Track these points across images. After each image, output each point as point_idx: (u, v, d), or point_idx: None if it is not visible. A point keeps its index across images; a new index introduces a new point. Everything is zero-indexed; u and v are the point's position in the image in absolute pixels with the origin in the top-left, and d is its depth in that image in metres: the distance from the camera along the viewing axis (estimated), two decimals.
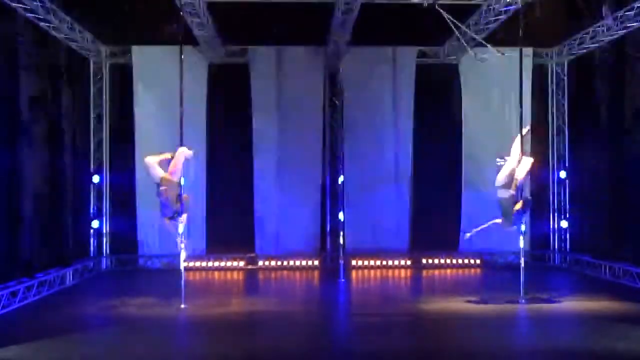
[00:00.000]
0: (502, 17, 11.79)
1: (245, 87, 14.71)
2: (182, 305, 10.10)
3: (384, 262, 14.96)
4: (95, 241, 14.71)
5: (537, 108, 14.93)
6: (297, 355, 7.73)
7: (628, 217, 12.62)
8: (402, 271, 14.79)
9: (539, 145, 14.44)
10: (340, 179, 14.67)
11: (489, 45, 12.20)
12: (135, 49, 14.46)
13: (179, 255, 10.51)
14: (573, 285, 12.94)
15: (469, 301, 10.63)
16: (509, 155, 10.48)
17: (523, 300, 10.26)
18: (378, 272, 14.70)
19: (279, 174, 14.75)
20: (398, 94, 14.86)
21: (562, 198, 15.28)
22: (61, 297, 11.38)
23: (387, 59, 14.82)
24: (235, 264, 14.91)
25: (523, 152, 10.47)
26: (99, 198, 14.76)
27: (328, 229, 14.91)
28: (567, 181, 15.21)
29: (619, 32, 12.21)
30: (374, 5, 12.10)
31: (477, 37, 12.28)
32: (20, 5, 10.61)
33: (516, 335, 9.02)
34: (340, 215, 14.36)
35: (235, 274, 14.61)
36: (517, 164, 10.29)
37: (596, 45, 13.29)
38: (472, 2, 12.03)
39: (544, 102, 15.28)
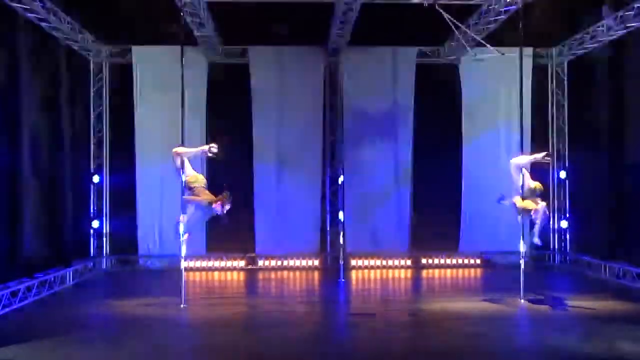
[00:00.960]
0: (502, 17, 11.79)
1: (245, 87, 14.71)
2: (182, 305, 10.10)
3: (384, 262, 14.96)
4: (95, 241, 14.71)
5: (537, 108, 14.92)
6: (297, 355, 7.72)
7: (628, 217, 12.61)
8: (402, 271, 14.79)
9: (539, 145, 14.43)
10: (340, 179, 14.67)
11: (489, 45, 12.20)
12: (135, 49, 14.46)
13: (179, 255, 10.52)
14: (573, 285, 12.94)
15: (469, 301, 10.63)
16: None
17: (523, 300, 10.25)
18: (378, 272, 14.71)
19: (279, 174, 14.75)
20: (398, 94, 14.85)
21: (562, 198, 15.28)
22: (61, 297, 11.39)
23: (387, 59, 14.81)
24: (235, 264, 14.92)
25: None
26: (99, 198, 14.76)
27: (328, 229, 14.91)
28: (567, 181, 15.22)
29: (619, 32, 12.22)
30: (374, 5, 12.10)
31: (477, 37, 12.28)
32: (20, 5, 10.61)
33: (516, 335, 9.01)
34: (340, 215, 14.36)
35: (235, 274, 14.62)
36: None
37: (596, 45, 13.29)
38: (472, 2, 12.02)
39: (544, 102, 15.28)
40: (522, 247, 10.87)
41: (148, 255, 14.77)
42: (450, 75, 15.01)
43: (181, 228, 10.23)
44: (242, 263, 14.92)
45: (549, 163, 10.54)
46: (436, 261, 15.15)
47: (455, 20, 11.39)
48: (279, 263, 14.91)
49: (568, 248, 15.18)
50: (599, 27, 12.65)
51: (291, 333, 8.71)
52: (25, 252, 11.20)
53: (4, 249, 10.44)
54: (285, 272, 14.65)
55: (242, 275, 14.48)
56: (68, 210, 13.17)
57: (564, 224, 15.19)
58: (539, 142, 14.38)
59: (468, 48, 12.81)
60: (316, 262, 14.90)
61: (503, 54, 12.55)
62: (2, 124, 10.42)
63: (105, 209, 14.81)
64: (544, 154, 10.59)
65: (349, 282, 13.33)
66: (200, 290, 12.54)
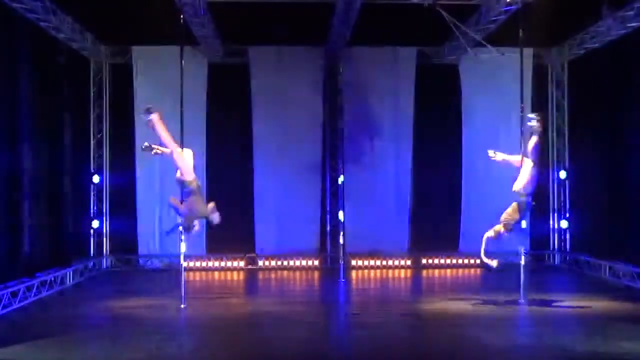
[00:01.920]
0: (502, 17, 11.79)
1: (245, 87, 14.72)
2: (182, 305, 10.10)
3: (384, 262, 14.97)
4: (95, 241, 14.73)
5: (537, 108, 14.89)
6: (297, 355, 7.72)
7: (628, 217, 12.61)
8: (402, 271, 14.79)
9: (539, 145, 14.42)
10: (340, 179, 14.67)
11: (489, 45, 12.20)
12: (135, 49, 14.48)
13: (179, 255, 10.52)
14: (573, 285, 12.94)
15: (469, 301, 10.63)
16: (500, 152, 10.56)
17: (523, 300, 10.25)
18: (378, 272, 14.71)
19: (279, 174, 14.75)
20: (398, 94, 14.85)
21: (562, 198, 15.28)
22: (61, 297, 11.39)
23: (387, 59, 14.82)
24: (235, 264, 14.92)
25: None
26: (99, 198, 14.78)
27: (328, 229, 14.92)
28: (567, 181, 15.22)
29: (619, 32, 12.21)
30: (374, 5, 12.09)
31: (477, 37, 12.28)
32: (21, 5, 10.61)
33: (516, 335, 9.01)
34: (340, 215, 14.36)
35: (235, 274, 14.62)
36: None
37: (596, 45, 13.29)
38: (472, 2, 12.02)
39: (544, 102, 15.27)
40: (522, 250, 10.86)
41: (148, 255, 14.78)
42: (450, 75, 15.02)
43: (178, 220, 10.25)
44: (242, 263, 14.92)
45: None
46: (436, 261, 15.15)
47: (455, 20, 11.39)
48: (279, 263, 14.91)
49: (568, 248, 15.18)
50: (599, 27, 12.65)
51: (291, 333, 8.70)
52: (25, 252, 11.20)
53: (4, 249, 10.44)
54: (285, 272, 14.65)
55: (242, 275, 14.48)
56: (68, 210, 13.18)
57: (564, 224, 15.19)
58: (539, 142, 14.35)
59: (468, 48, 12.80)
60: (316, 262, 14.91)
61: (503, 54, 12.56)
62: (1, 124, 10.41)
63: (105, 209, 14.82)
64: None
65: (349, 282, 13.34)
66: (200, 290, 12.53)
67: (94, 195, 14.70)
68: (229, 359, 7.70)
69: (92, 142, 14.69)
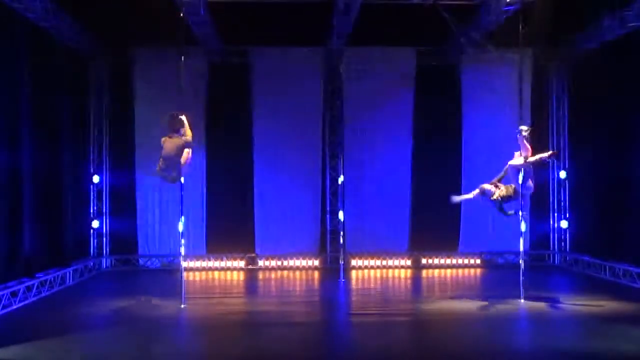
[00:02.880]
0: (502, 17, 11.79)
1: (245, 87, 14.72)
2: (182, 305, 10.10)
3: (384, 262, 14.98)
4: (95, 241, 14.73)
5: (537, 108, 14.92)
6: (296, 356, 7.73)
7: (628, 217, 12.61)
8: (402, 271, 14.80)
9: (539, 145, 14.43)
10: (340, 179, 14.68)
11: (489, 45, 12.19)
12: (136, 50, 14.46)
13: (179, 255, 10.52)
14: (573, 285, 12.94)
15: (469, 301, 10.63)
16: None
17: (523, 300, 10.25)
18: (378, 272, 14.71)
19: (279, 174, 14.75)
20: (398, 94, 14.85)
21: (562, 198, 15.28)
22: (61, 297, 11.39)
23: (387, 59, 14.81)
24: (235, 264, 14.92)
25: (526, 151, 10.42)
26: (99, 198, 14.78)
27: (328, 229, 14.92)
28: (567, 181, 15.22)
29: (619, 32, 12.21)
30: (374, 5, 12.10)
31: (477, 37, 12.27)
32: (21, 6, 10.60)
33: (516, 335, 9.02)
34: (340, 215, 14.37)
35: (235, 274, 14.62)
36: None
37: (596, 45, 13.29)
38: (472, 2, 12.02)
39: (544, 102, 15.27)
40: (522, 247, 10.87)
41: (148, 255, 14.78)
42: (450, 75, 15.01)
43: (180, 227, 10.25)
44: (242, 263, 14.93)
45: (549, 160, 10.41)
46: (436, 261, 15.16)
47: (455, 20, 11.39)
48: (279, 263, 14.92)
49: (568, 248, 15.19)
50: (599, 27, 12.65)
51: (291, 333, 8.71)
52: (25, 252, 11.20)
53: (4, 249, 10.44)
54: (285, 272, 14.65)
55: (242, 275, 14.48)
56: (68, 210, 13.18)
57: (564, 224, 15.19)
58: (539, 142, 14.37)
59: (468, 48, 12.80)
60: (316, 262, 14.91)
61: (503, 54, 12.56)
62: (1, 124, 10.41)
63: (105, 209, 14.82)
64: (549, 153, 10.58)
65: (349, 282, 13.34)
66: (200, 290, 12.53)
67: (94, 195, 14.70)
68: (229, 359, 7.70)
69: (92, 142, 14.68)
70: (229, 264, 14.91)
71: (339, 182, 14.70)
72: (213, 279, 14.12)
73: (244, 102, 14.74)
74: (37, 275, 11.23)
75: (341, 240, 14.04)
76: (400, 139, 14.93)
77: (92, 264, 14.14)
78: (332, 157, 15.01)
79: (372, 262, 14.98)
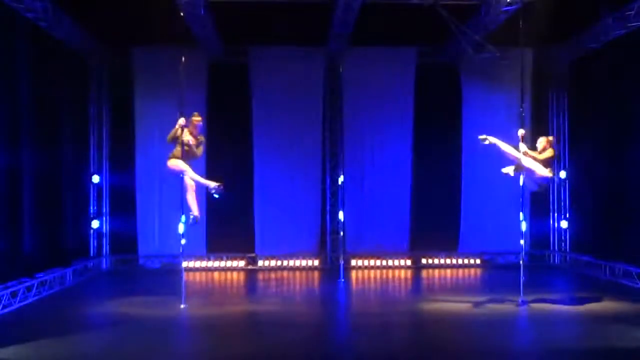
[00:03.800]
0: (502, 17, 11.78)
1: (245, 87, 14.72)
2: (182, 305, 10.10)
3: (384, 262, 14.98)
4: (95, 241, 14.72)
5: (537, 108, 14.92)
6: (297, 356, 7.72)
7: (628, 217, 12.61)
8: (402, 271, 14.80)
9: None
10: (340, 179, 14.68)
11: (489, 45, 12.19)
12: (135, 49, 14.46)
13: (179, 255, 10.52)
14: (573, 285, 12.94)
15: (469, 301, 10.63)
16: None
17: (523, 300, 10.25)
18: (378, 272, 14.71)
19: (279, 174, 14.75)
20: (398, 94, 14.85)
21: (562, 198, 15.28)
22: (61, 297, 11.39)
23: (387, 59, 14.80)
24: (235, 264, 14.92)
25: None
26: (99, 198, 14.77)
27: (328, 229, 14.92)
28: (567, 181, 15.22)
29: (619, 32, 12.21)
30: (374, 5, 12.09)
31: (477, 37, 12.27)
32: (21, 5, 10.61)
33: (516, 335, 9.01)
34: (340, 215, 14.37)
35: (235, 274, 14.62)
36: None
37: (596, 45, 13.29)
38: (472, 2, 12.02)
39: (544, 102, 15.28)
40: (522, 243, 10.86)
41: (148, 255, 14.78)
42: (450, 75, 15.01)
43: (181, 228, 10.28)
44: (242, 263, 14.93)
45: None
46: (436, 261, 15.17)
47: (455, 20, 11.39)
48: (279, 263, 14.92)
49: (568, 248, 15.19)
50: (599, 27, 12.65)
51: (291, 333, 8.70)
52: (25, 252, 11.20)
53: (4, 249, 10.44)
54: (285, 272, 14.65)
55: (242, 275, 14.48)
56: (68, 210, 13.18)
57: (564, 224, 15.19)
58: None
59: (468, 48, 12.80)
60: (316, 262, 14.91)
61: (503, 54, 12.55)
62: (1, 124, 10.41)
63: (105, 209, 14.82)
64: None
65: (349, 282, 13.34)
66: (200, 290, 12.53)
67: (94, 195, 14.70)
68: (229, 359, 7.70)
69: (92, 142, 14.68)
70: (229, 264, 14.91)
71: (339, 182, 14.70)
72: (213, 279, 14.12)
73: (244, 102, 14.73)
74: (37, 275, 11.22)
75: (341, 241, 14.04)
76: (400, 138, 14.93)
77: (92, 264, 14.15)
78: (332, 157, 15.01)
79: (372, 262, 14.97)
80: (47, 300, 11.04)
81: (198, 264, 14.74)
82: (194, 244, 14.25)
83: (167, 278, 12.71)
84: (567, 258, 15.04)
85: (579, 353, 7.70)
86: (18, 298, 10.32)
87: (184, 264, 10.62)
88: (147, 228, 14.65)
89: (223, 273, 14.63)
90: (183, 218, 10.39)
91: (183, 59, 10.42)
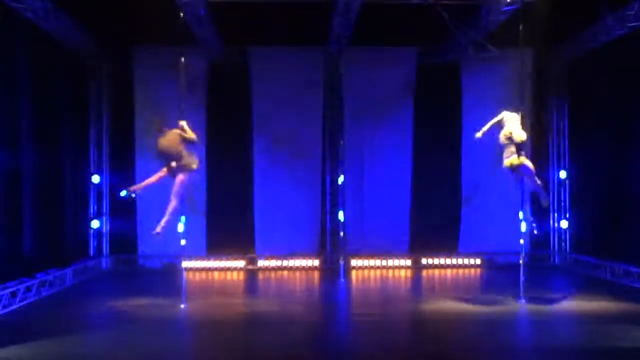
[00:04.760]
0: (502, 17, 11.79)
1: (245, 87, 14.71)
2: (182, 305, 10.10)
3: (384, 262, 14.98)
4: (95, 241, 14.72)
5: (537, 108, 14.92)
6: (297, 356, 7.72)
7: (628, 217, 12.61)
8: (402, 271, 14.80)
9: (539, 145, 14.45)
10: (340, 179, 14.68)
11: (489, 45, 12.19)
12: (135, 50, 14.45)
13: (179, 255, 10.52)
14: (573, 285, 12.93)
15: (469, 301, 10.64)
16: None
17: (523, 300, 10.25)
18: (378, 272, 14.71)
19: (279, 174, 14.74)
20: (398, 94, 14.84)
21: (562, 198, 15.28)
22: (61, 297, 11.39)
23: (387, 59, 14.79)
24: (235, 264, 14.92)
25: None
26: (99, 198, 14.77)
27: (328, 229, 14.92)
28: (567, 181, 15.22)
29: (619, 32, 12.21)
30: (374, 5, 12.09)
31: (477, 37, 12.27)
32: (21, 5, 10.61)
33: (516, 335, 9.02)
34: (340, 215, 14.37)
35: (235, 274, 14.62)
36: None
37: (596, 45, 13.29)
38: (472, 2, 12.02)
39: (544, 102, 15.27)
40: (522, 242, 10.87)
41: (148, 255, 14.77)
42: (450, 75, 15.01)
43: (180, 228, 10.27)
44: (242, 263, 14.92)
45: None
46: (436, 261, 15.16)
47: (455, 20, 11.39)
48: (279, 263, 14.91)
49: (568, 248, 15.19)
50: (599, 27, 12.65)
51: (291, 333, 8.71)
52: (25, 252, 11.20)
53: (4, 249, 10.44)
54: (285, 272, 14.65)
55: (242, 275, 14.48)
56: (68, 210, 13.18)
57: (564, 224, 15.19)
58: (539, 142, 14.39)
59: (468, 48, 12.80)
60: (316, 262, 14.91)
61: (503, 54, 12.54)
62: (2, 124, 10.41)
63: (105, 209, 14.82)
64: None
65: (349, 282, 13.34)
66: (200, 290, 12.53)
67: (94, 195, 14.69)
68: (229, 359, 7.70)
69: (92, 142, 14.67)
70: (229, 264, 14.91)
71: (339, 182, 14.69)
72: (213, 279, 14.12)
73: (244, 102, 14.73)
74: (37, 275, 11.23)
75: (341, 241, 14.03)
76: (401, 138, 14.92)
77: (92, 264, 14.14)
78: (332, 157, 15.01)
79: (372, 262, 14.97)
80: (47, 300, 11.04)
81: (198, 264, 14.73)
82: (194, 244, 14.23)
83: (167, 278, 12.72)
84: (567, 258, 15.04)
85: (579, 353, 7.71)
86: (18, 298, 10.33)
87: (184, 264, 10.61)
88: (147, 228, 14.55)
89: (223, 273, 14.63)
90: (183, 218, 10.36)
91: (183, 59, 10.42)
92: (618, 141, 13.02)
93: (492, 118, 14.65)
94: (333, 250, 14.75)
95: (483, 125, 14.73)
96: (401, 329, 9.24)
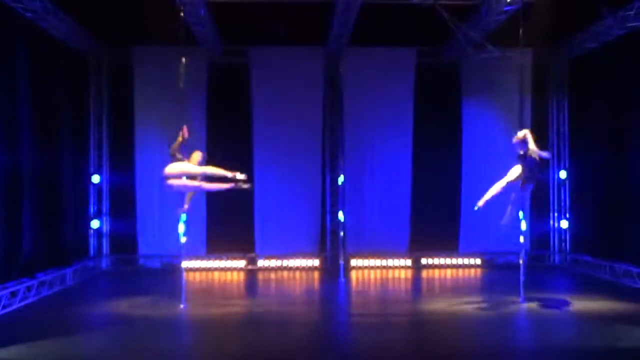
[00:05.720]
0: (502, 17, 11.79)
1: (245, 87, 14.71)
2: (182, 305, 10.11)
3: (384, 262, 14.98)
4: (95, 241, 14.71)
5: (537, 108, 14.91)
6: (297, 356, 7.73)
7: (628, 217, 12.61)
8: (402, 271, 14.80)
9: (539, 145, 14.41)
10: (340, 179, 14.67)
11: (489, 45, 12.19)
12: (135, 49, 14.46)
13: (179, 255, 10.52)
14: (573, 285, 12.94)
15: (469, 301, 10.64)
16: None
17: (523, 300, 10.25)
18: (378, 272, 14.71)
19: (279, 174, 14.74)
20: (398, 94, 14.84)
21: (562, 198, 15.28)
22: (61, 297, 11.39)
23: (387, 59, 14.79)
24: (235, 264, 14.92)
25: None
26: (99, 198, 14.77)
27: (328, 229, 14.92)
28: (567, 181, 15.22)
29: (619, 31, 12.21)
30: (374, 5, 12.09)
31: (477, 37, 12.27)
32: (20, 5, 10.61)
33: (516, 335, 9.02)
34: (340, 215, 14.37)
35: (235, 274, 14.62)
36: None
37: (596, 45, 13.29)
38: (472, 2, 12.02)
39: (544, 102, 15.28)
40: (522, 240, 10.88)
41: (148, 255, 14.77)
42: (450, 75, 15.01)
43: (181, 228, 10.27)
44: (242, 263, 14.92)
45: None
46: (436, 261, 15.16)
47: (455, 20, 11.39)
48: (279, 263, 14.91)
49: (568, 248, 15.19)
50: (599, 27, 12.65)
51: (291, 333, 8.71)
52: (25, 252, 11.20)
53: (4, 249, 10.44)
54: (285, 272, 14.65)
55: (242, 275, 14.48)
56: (68, 210, 13.17)
57: (564, 224, 15.19)
58: (539, 142, 14.35)
59: (468, 48, 12.80)
60: (316, 262, 14.91)
61: (503, 54, 12.55)
62: (1, 124, 10.41)
63: (105, 209, 14.82)
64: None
65: (349, 282, 13.34)
66: (200, 290, 12.54)
67: (94, 195, 14.69)
68: (229, 359, 7.70)
69: (92, 142, 14.67)
70: (229, 264, 14.91)
71: (339, 183, 14.69)
72: (213, 279, 14.12)
73: (244, 102, 14.73)
74: (37, 275, 11.23)
75: (341, 241, 14.04)
76: (401, 138, 14.92)
77: (92, 264, 14.14)
78: (332, 157, 15.01)
79: (372, 262, 14.97)
80: (47, 300, 11.05)
81: (198, 264, 14.73)
82: (194, 244, 14.24)
83: (167, 278, 12.72)
84: (567, 258, 15.04)
85: (579, 353, 7.71)
86: (18, 298, 10.33)
87: (184, 264, 10.61)
88: (147, 228, 14.65)
89: (223, 273, 14.63)
90: (184, 216, 10.36)
91: (183, 59, 10.42)
92: (618, 141, 13.01)
93: (492, 118, 14.77)
94: (333, 250, 14.75)
95: (483, 125, 14.85)
96: (401, 329, 9.24)
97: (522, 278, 10.34)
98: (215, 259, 14.87)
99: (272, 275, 14.36)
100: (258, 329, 9.14)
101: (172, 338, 8.65)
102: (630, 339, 8.10)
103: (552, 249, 15.44)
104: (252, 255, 14.93)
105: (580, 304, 10.37)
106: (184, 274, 10.49)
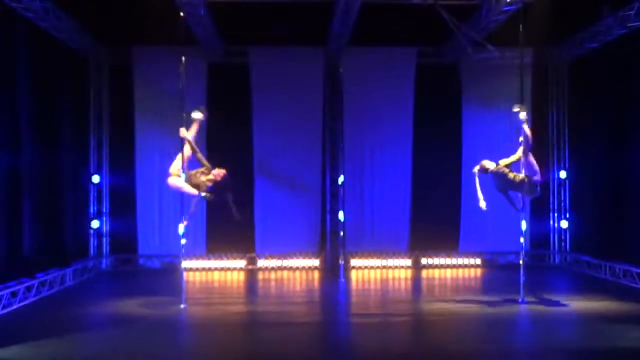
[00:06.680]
0: (502, 17, 11.79)
1: (245, 87, 14.71)
2: (182, 305, 10.10)
3: (384, 262, 14.98)
4: (95, 241, 14.71)
5: (537, 108, 14.91)
6: (296, 356, 7.72)
7: (628, 217, 12.61)
8: (402, 271, 14.79)
9: (539, 145, 14.42)
10: (340, 179, 14.67)
11: (489, 45, 12.19)
12: (135, 50, 14.45)
13: (179, 255, 10.51)
14: (573, 285, 12.94)
15: (469, 301, 10.63)
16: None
17: (523, 300, 10.25)
18: (378, 272, 14.71)
19: (279, 174, 14.74)
20: (398, 94, 14.84)
21: (562, 198, 15.28)
22: (61, 297, 11.39)
23: (387, 59, 14.78)
24: (235, 263, 14.92)
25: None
26: (99, 198, 14.77)
27: (328, 228, 14.92)
28: (567, 181, 15.22)
29: (619, 31, 12.21)
30: (374, 5, 12.10)
31: (477, 37, 12.27)
32: (20, 5, 10.61)
33: (516, 335, 9.02)
34: (340, 215, 14.37)
35: (235, 273, 14.62)
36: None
37: (596, 45, 13.29)
38: (472, 2, 12.02)
39: (544, 102, 15.28)
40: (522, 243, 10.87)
41: (148, 255, 14.77)
42: (450, 75, 15.01)
43: (181, 229, 10.27)
44: (242, 263, 14.93)
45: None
46: (436, 261, 15.16)
47: (455, 20, 11.39)
48: (279, 263, 14.92)
49: (568, 248, 15.19)
50: (599, 27, 12.65)
51: (291, 333, 8.71)
52: (25, 252, 11.20)
53: (4, 249, 10.44)
54: (285, 272, 14.65)
55: (242, 275, 14.48)
56: (68, 210, 13.17)
57: (564, 224, 15.19)
58: (539, 142, 14.36)
59: (468, 48, 12.80)
60: (316, 262, 14.91)
61: (503, 53, 12.55)
62: (1, 124, 10.41)
63: (105, 209, 14.82)
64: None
65: (349, 282, 13.34)
66: (200, 290, 12.54)
67: (94, 195, 14.69)
68: (229, 359, 7.70)
69: (92, 142, 14.67)
70: (229, 264, 14.91)
71: (339, 182, 14.69)
72: (213, 278, 14.12)
73: (244, 102, 14.72)
74: (37, 275, 11.23)
75: (341, 240, 14.04)
76: (401, 138, 14.92)
77: (92, 264, 14.14)
78: (332, 157, 15.01)
79: (372, 262, 14.98)
80: (47, 300, 11.04)
81: (198, 264, 14.74)
82: (194, 244, 14.28)
83: (167, 278, 12.72)
84: (567, 258, 15.04)
85: (579, 353, 7.71)
86: (18, 298, 10.32)
87: (184, 264, 10.61)
88: (147, 228, 14.65)
89: (223, 273, 14.63)
90: (182, 227, 10.35)
91: (183, 59, 10.42)
92: (618, 141, 13.01)
93: (491, 118, 14.77)
94: (333, 250, 14.75)
95: (483, 125, 14.85)
96: (401, 329, 9.23)
97: (522, 278, 10.34)
98: (215, 258, 14.87)
99: (272, 275, 14.36)
100: (258, 329, 9.15)
101: (172, 338, 8.65)
102: (630, 339, 8.10)
103: (552, 249, 15.44)
104: (252, 255, 14.93)
105: (580, 304, 10.38)
106: (184, 273, 10.49)
